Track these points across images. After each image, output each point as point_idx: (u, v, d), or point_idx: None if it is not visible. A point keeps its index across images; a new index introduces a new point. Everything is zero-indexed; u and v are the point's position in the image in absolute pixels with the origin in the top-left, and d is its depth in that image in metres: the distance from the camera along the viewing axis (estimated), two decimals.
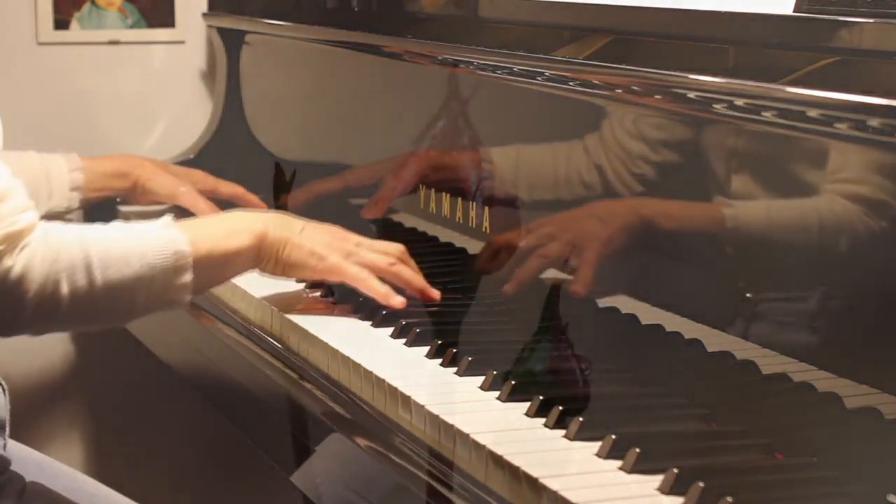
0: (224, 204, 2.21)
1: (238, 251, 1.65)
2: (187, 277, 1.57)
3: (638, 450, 1.22)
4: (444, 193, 1.89)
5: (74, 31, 2.65)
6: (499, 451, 1.26)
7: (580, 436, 1.30)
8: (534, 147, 1.74)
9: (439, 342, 1.57)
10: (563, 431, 1.31)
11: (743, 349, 1.38)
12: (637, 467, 1.22)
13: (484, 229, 1.80)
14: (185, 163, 2.61)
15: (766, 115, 1.31)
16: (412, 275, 1.71)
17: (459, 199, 1.85)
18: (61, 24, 2.64)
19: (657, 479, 1.19)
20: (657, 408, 1.39)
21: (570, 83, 1.61)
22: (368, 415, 1.48)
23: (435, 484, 1.32)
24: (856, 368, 1.25)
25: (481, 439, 1.29)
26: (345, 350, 1.57)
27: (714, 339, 1.42)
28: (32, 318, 1.49)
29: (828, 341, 1.29)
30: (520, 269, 1.68)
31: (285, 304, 1.77)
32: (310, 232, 1.71)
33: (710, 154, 1.43)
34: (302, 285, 1.86)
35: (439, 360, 1.54)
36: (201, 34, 2.72)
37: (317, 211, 2.13)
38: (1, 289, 1.45)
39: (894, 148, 1.19)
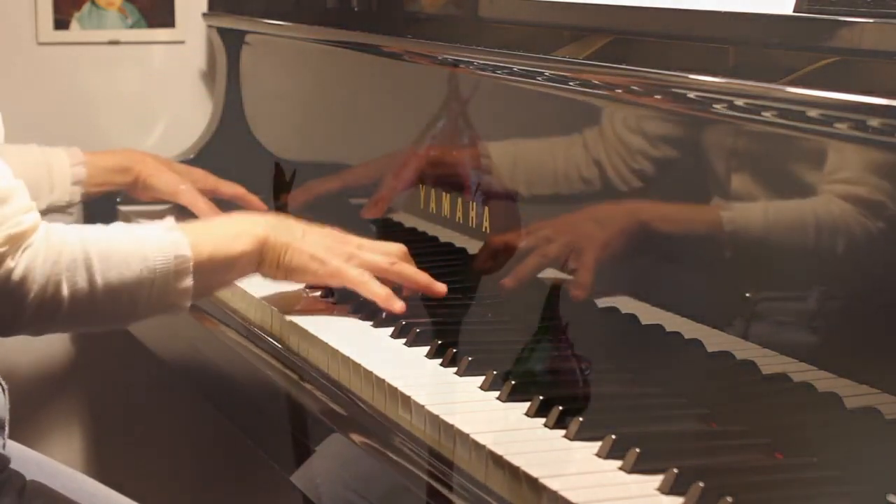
0: (224, 205, 2.21)
1: (240, 255, 1.65)
2: (188, 281, 1.57)
3: (638, 450, 1.22)
4: (444, 193, 1.89)
5: (74, 31, 2.65)
6: (499, 451, 1.26)
7: (580, 436, 1.30)
8: (534, 147, 1.74)
9: (439, 342, 1.57)
10: (563, 431, 1.31)
11: (743, 349, 1.38)
12: (637, 467, 1.22)
13: (484, 229, 1.80)
14: (186, 163, 2.61)
15: (766, 115, 1.31)
16: (415, 272, 1.71)
17: (459, 199, 1.85)
18: (61, 24, 2.64)
19: (657, 479, 1.19)
20: (657, 408, 1.39)
21: (570, 83, 1.60)
22: (368, 415, 1.48)
23: (435, 484, 1.32)
24: (856, 368, 1.25)
25: (481, 439, 1.29)
26: (345, 350, 1.57)
27: (714, 339, 1.42)
28: (33, 318, 1.49)
29: (828, 341, 1.29)
30: (518, 267, 1.68)
31: (285, 304, 1.77)
32: (311, 236, 1.71)
33: (709, 154, 1.43)
34: (302, 285, 1.86)
35: (439, 360, 1.54)
36: (201, 34, 2.72)
37: (317, 211, 2.13)
38: (3, 289, 1.46)
39: (894, 148, 1.19)
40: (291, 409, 1.66)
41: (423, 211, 1.94)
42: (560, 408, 1.34)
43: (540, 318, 1.45)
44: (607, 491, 1.19)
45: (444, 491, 1.30)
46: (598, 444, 1.26)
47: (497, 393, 1.42)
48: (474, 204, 1.82)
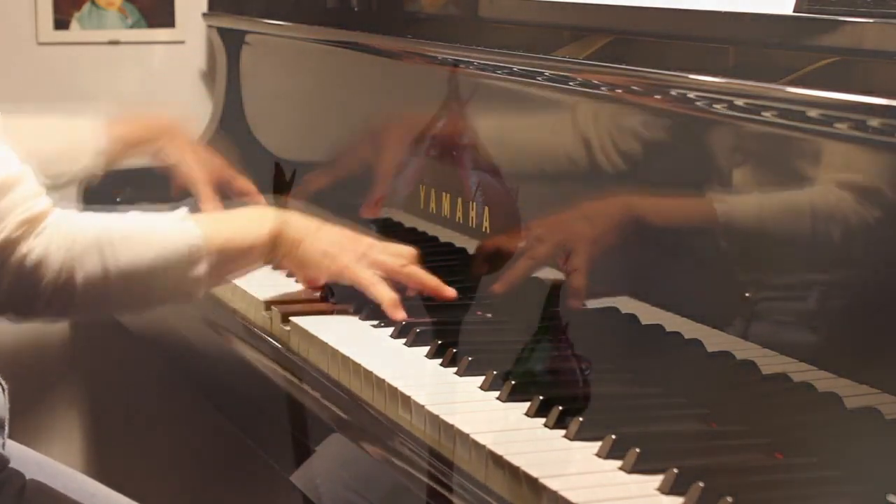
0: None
1: (252, 246, 1.65)
2: (201, 270, 1.57)
3: (638, 450, 1.22)
4: (444, 193, 1.89)
5: (74, 31, 2.65)
6: (499, 451, 1.26)
7: (580, 436, 1.30)
8: (533, 147, 1.74)
9: (439, 342, 1.56)
10: (563, 431, 1.31)
11: (743, 349, 1.38)
12: (637, 467, 1.22)
13: (484, 229, 1.80)
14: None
15: (766, 115, 1.31)
16: (426, 275, 1.71)
17: (459, 199, 1.85)
18: (61, 24, 2.64)
19: (657, 479, 1.19)
20: (657, 408, 1.39)
21: (570, 83, 1.60)
22: (368, 415, 1.48)
23: (435, 484, 1.32)
24: (856, 368, 1.25)
25: (481, 439, 1.29)
26: (345, 350, 1.57)
27: (714, 339, 1.42)
28: (48, 304, 1.49)
29: (828, 341, 1.29)
30: (509, 271, 1.69)
31: (285, 304, 1.77)
32: (324, 232, 1.71)
33: (708, 154, 1.43)
34: (302, 286, 1.86)
35: (439, 360, 1.54)
36: (201, 34, 2.72)
37: (317, 211, 2.13)
38: (18, 274, 1.46)
39: (894, 148, 1.19)
40: (291, 409, 1.66)
41: (423, 211, 1.94)
42: (560, 408, 1.34)
43: (540, 318, 1.46)
44: (607, 491, 1.19)
45: (444, 491, 1.30)
46: (598, 444, 1.26)
47: (497, 393, 1.42)
48: (474, 204, 1.82)
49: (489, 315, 1.69)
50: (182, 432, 2.78)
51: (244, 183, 2.20)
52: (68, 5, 2.63)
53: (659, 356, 1.47)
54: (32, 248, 1.45)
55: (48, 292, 1.47)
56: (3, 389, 1.68)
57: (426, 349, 1.57)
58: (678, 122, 1.46)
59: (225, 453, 2.75)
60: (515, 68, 1.70)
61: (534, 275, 1.68)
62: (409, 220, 1.99)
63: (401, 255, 1.72)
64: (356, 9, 2.19)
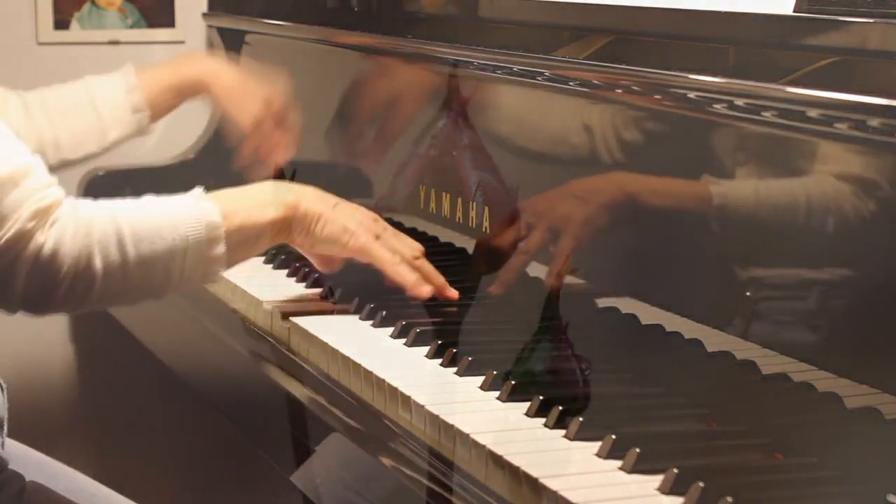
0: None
1: (271, 223, 1.63)
2: (220, 249, 1.56)
3: (638, 450, 1.22)
4: (444, 193, 1.89)
5: (74, 31, 2.65)
6: (499, 451, 1.26)
7: (580, 436, 1.30)
8: (534, 147, 1.74)
9: (439, 342, 1.57)
10: (563, 431, 1.31)
11: (743, 349, 1.38)
12: (637, 467, 1.22)
13: (484, 229, 1.80)
14: (185, 163, 2.62)
15: (766, 115, 1.31)
16: (434, 273, 1.71)
17: (459, 199, 1.85)
18: (61, 24, 2.64)
19: (657, 479, 1.19)
20: (657, 408, 1.39)
21: (570, 83, 1.61)
22: (368, 415, 1.48)
23: (435, 484, 1.32)
24: (856, 368, 1.25)
25: (481, 439, 1.29)
26: (345, 350, 1.57)
27: (714, 339, 1.42)
28: (67, 294, 1.47)
29: (828, 341, 1.29)
30: (504, 270, 1.68)
31: (286, 304, 1.77)
32: (343, 208, 1.70)
33: (708, 154, 1.43)
34: (302, 286, 1.86)
35: (439, 360, 1.54)
36: (201, 34, 2.72)
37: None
38: (34, 266, 1.44)
39: (894, 148, 1.19)
40: (291, 409, 1.66)
41: (423, 211, 1.94)
42: (560, 408, 1.34)
43: (540, 318, 1.45)
44: (607, 491, 1.19)
45: (444, 491, 1.30)
46: (598, 444, 1.26)
47: (497, 393, 1.42)
48: (474, 204, 1.82)
49: (489, 315, 1.69)
50: (182, 432, 2.78)
51: (290, 122, 2.10)
52: (68, 5, 2.63)
53: (659, 356, 1.47)
54: (47, 238, 1.44)
55: (67, 282, 1.46)
56: (3, 389, 1.67)
57: (426, 349, 1.57)
58: (678, 122, 1.46)
59: (225, 453, 2.75)
60: (515, 68, 1.70)
61: (534, 275, 1.68)
62: (409, 220, 1.99)
63: (412, 247, 1.72)
64: (356, 9, 2.19)
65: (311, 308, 1.77)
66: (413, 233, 1.97)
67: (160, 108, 2.07)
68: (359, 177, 2.17)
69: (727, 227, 1.40)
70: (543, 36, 1.71)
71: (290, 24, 2.36)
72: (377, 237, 1.70)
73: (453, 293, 1.70)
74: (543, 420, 1.35)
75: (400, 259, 1.69)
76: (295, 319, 1.70)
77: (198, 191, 1.61)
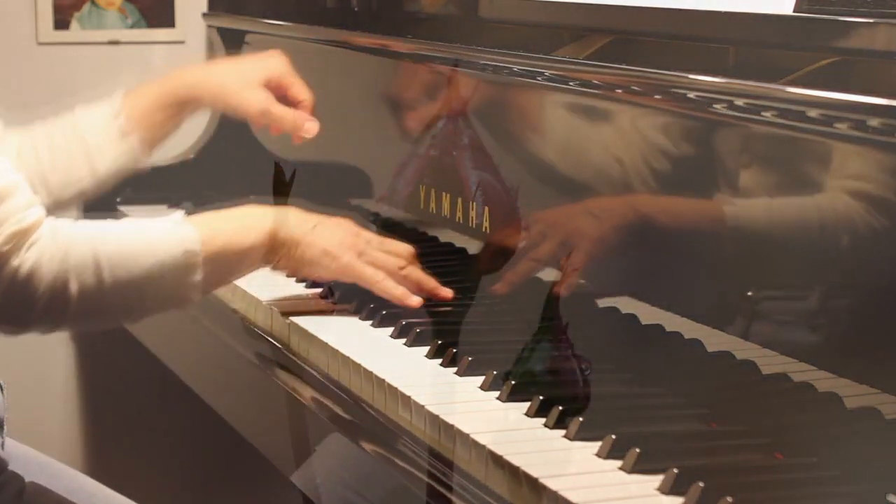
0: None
1: (249, 249, 1.62)
2: (197, 276, 1.55)
3: (638, 450, 1.22)
4: (444, 193, 1.89)
5: (74, 31, 2.65)
6: (499, 451, 1.26)
7: (580, 436, 1.30)
8: (534, 147, 1.74)
9: (439, 342, 1.56)
10: (563, 431, 1.31)
11: (743, 349, 1.38)
12: (637, 467, 1.22)
13: (484, 229, 1.80)
14: (185, 163, 2.62)
15: (766, 115, 1.31)
16: (423, 277, 1.71)
17: (459, 199, 1.85)
18: (61, 24, 2.64)
19: (657, 479, 1.19)
20: (657, 408, 1.39)
21: (570, 83, 1.60)
22: (368, 415, 1.48)
23: (435, 484, 1.32)
24: (856, 368, 1.25)
25: (481, 439, 1.29)
26: (345, 350, 1.57)
27: (714, 339, 1.42)
28: (42, 316, 1.47)
29: (828, 341, 1.29)
30: (511, 272, 1.68)
31: (285, 304, 1.77)
32: (322, 229, 1.69)
33: (709, 154, 1.43)
34: (302, 286, 1.86)
35: (439, 360, 1.54)
36: (201, 34, 2.72)
37: (316, 211, 2.13)
38: (9, 288, 1.44)
39: (894, 148, 1.19)
40: (291, 409, 1.66)
41: (423, 211, 1.94)
42: (560, 408, 1.34)
43: (540, 318, 1.45)
44: (607, 491, 1.19)
45: (444, 491, 1.30)
46: (598, 444, 1.26)
47: (497, 393, 1.42)
48: (474, 204, 1.82)
49: (489, 315, 1.69)
50: (182, 432, 2.78)
51: (298, 90, 1.94)
52: (68, 5, 2.64)
53: (659, 356, 1.47)
54: (24, 260, 1.43)
55: (42, 304, 1.45)
56: (2, 389, 1.67)
57: (426, 349, 1.57)
58: (678, 122, 1.46)
59: (225, 453, 2.75)
60: (515, 68, 1.70)
61: (534, 275, 1.68)
62: (409, 220, 1.99)
63: (398, 254, 1.71)
64: (356, 9, 2.19)
65: (311, 308, 1.77)
66: (413, 233, 1.97)
67: (151, 130, 1.86)
68: (359, 177, 2.17)
69: (726, 228, 1.40)
70: (543, 36, 1.71)
71: (290, 24, 2.36)
72: (360, 254, 1.69)
73: (447, 293, 1.70)
74: (543, 420, 1.35)
75: (384, 275, 1.69)
76: (295, 319, 1.70)
77: (178, 215, 1.59)
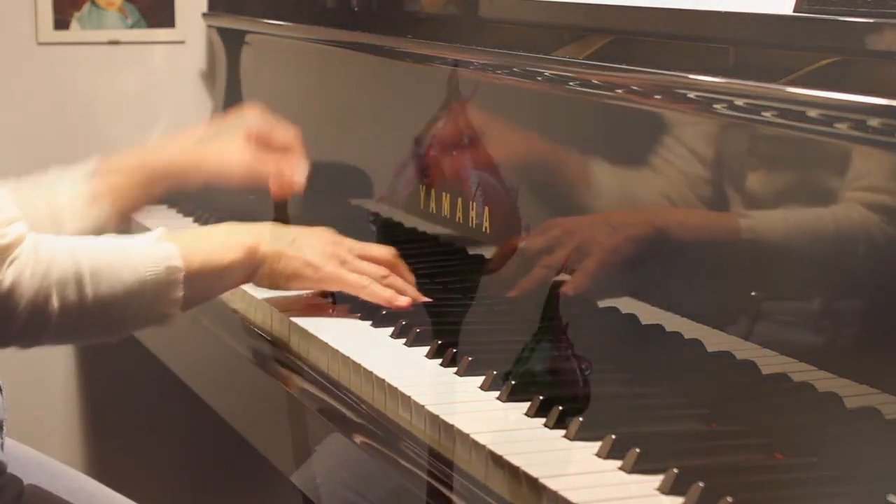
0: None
1: (230, 265, 1.62)
2: (179, 292, 1.54)
3: (638, 450, 1.22)
4: (444, 193, 1.89)
5: (74, 31, 2.65)
6: (499, 451, 1.26)
7: (580, 436, 1.30)
8: (534, 146, 1.74)
9: (439, 342, 1.56)
10: (563, 431, 1.31)
11: (743, 349, 1.38)
12: (637, 467, 1.22)
13: (484, 229, 1.80)
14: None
15: (766, 115, 1.31)
16: (403, 285, 1.71)
17: (459, 199, 1.85)
18: (61, 24, 2.64)
19: (657, 479, 1.19)
20: (657, 408, 1.39)
21: (570, 83, 1.60)
22: (368, 415, 1.48)
23: (435, 484, 1.32)
24: (856, 368, 1.25)
25: (481, 439, 1.29)
26: (345, 350, 1.57)
27: (714, 339, 1.42)
28: (21, 332, 1.46)
29: (828, 341, 1.29)
30: (524, 279, 1.68)
31: (285, 304, 1.77)
32: (302, 241, 1.69)
33: (709, 155, 1.43)
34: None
35: (439, 360, 1.54)
36: (201, 34, 2.72)
37: (317, 211, 2.13)
38: None
39: (894, 148, 1.19)
40: (291, 409, 1.66)
41: (423, 211, 1.94)
42: (560, 408, 1.34)
43: (540, 318, 1.45)
44: (607, 491, 1.19)
45: (444, 491, 1.30)
46: (598, 444, 1.26)
47: (497, 393, 1.42)
48: (474, 204, 1.82)
49: (489, 315, 1.69)
50: (182, 432, 2.78)
51: (281, 136, 1.89)
52: (68, 5, 2.63)
53: (659, 356, 1.47)
54: (5, 276, 1.42)
55: (22, 320, 1.44)
56: (0, 389, 1.67)
57: (426, 349, 1.57)
58: (677, 123, 1.46)
59: (225, 453, 2.75)
60: (515, 68, 1.70)
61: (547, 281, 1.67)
62: (409, 220, 1.99)
63: (379, 259, 1.71)
64: (356, 9, 2.19)
65: (311, 308, 1.77)
66: (413, 233, 1.97)
67: (127, 201, 1.78)
68: (359, 177, 2.17)
69: (727, 228, 1.40)
70: (543, 36, 1.71)
71: (290, 24, 2.36)
72: (342, 262, 1.69)
73: (423, 298, 1.71)
74: (543, 420, 1.35)
75: (369, 280, 1.69)
76: (295, 319, 1.70)
77: (159, 231, 1.58)
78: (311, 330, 1.66)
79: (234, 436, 1.98)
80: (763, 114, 1.31)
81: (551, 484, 1.19)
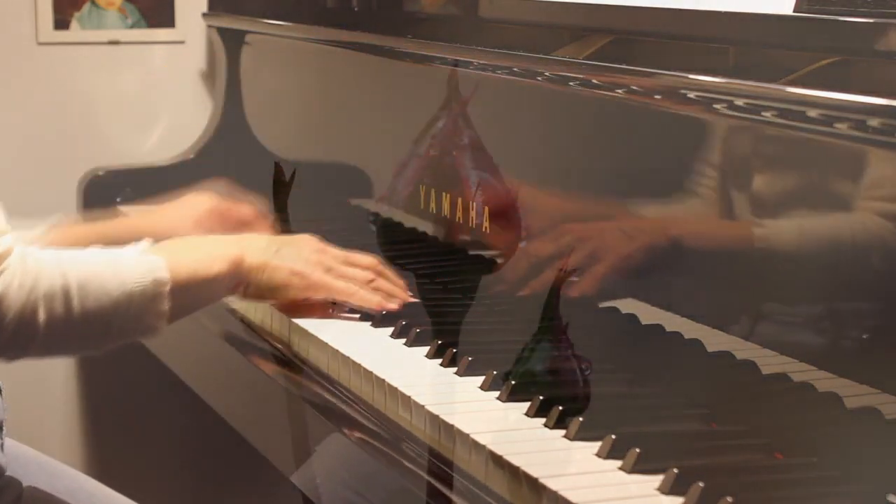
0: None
1: (216, 277, 1.60)
2: (165, 305, 1.53)
3: (638, 450, 1.22)
4: (444, 193, 1.89)
5: (74, 31, 2.65)
6: (499, 451, 1.26)
7: (580, 436, 1.30)
8: (534, 146, 1.74)
9: (439, 342, 1.57)
10: (563, 431, 1.31)
11: (743, 349, 1.38)
12: (637, 467, 1.22)
13: (484, 229, 1.80)
14: (185, 163, 2.62)
15: (766, 115, 1.31)
16: (390, 287, 1.71)
17: (459, 199, 1.85)
18: (61, 24, 2.64)
19: (657, 479, 1.19)
20: (657, 408, 1.39)
21: (570, 83, 1.60)
22: (368, 415, 1.48)
23: (435, 484, 1.32)
24: (856, 368, 1.25)
25: (481, 439, 1.29)
26: (345, 350, 1.57)
27: (714, 339, 1.42)
28: (7, 345, 1.45)
29: (828, 341, 1.29)
30: (536, 281, 1.67)
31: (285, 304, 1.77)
32: (286, 250, 1.68)
33: (709, 156, 1.43)
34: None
35: (439, 360, 1.54)
36: (201, 34, 2.72)
37: (317, 211, 2.13)
38: None
39: (894, 148, 1.19)
40: (291, 409, 1.66)
41: (423, 211, 1.94)
42: (560, 408, 1.34)
43: (540, 318, 1.45)
44: (607, 491, 1.19)
45: (445, 490, 1.30)
46: (598, 444, 1.26)
47: (497, 393, 1.42)
48: (474, 204, 1.81)
49: (489, 315, 1.69)
50: (182, 432, 2.78)
51: (243, 211, 1.95)
52: (68, 5, 2.63)
53: (659, 356, 1.47)
54: None
55: (9, 333, 1.43)
56: (0, 390, 1.67)
57: (426, 349, 1.57)
58: (677, 122, 1.46)
59: (225, 453, 2.75)
60: (515, 68, 1.70)
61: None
62: (409, 220, 1.99)
63: (364, 266, 1.71)
64: (356, 9, 2.19)
65: (311, 307, 1.76)
66: (413, 233, 1.97)
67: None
68: (359, 177, 2.17)
69: (726, 229, 1.40)
70: (543, 36, 1.71)
71: (290, 24, 2.36)
72: (328, 269, 1.69)
73: (411, 299, 1.71)
74: (543, 420, 1.35)
75: (357, 286, 1.69)
76: (295, 319, 1.70)
77: (145, 244, 1.57)
78: (311, 330, 1.66)
79: (234, 436, 1.98)
80: (763, 114, 1.31)
81: (551, 484, 1.19)
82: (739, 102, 1.34)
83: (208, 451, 2.79)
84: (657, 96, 1.47)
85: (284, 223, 1.96)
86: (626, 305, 1.54)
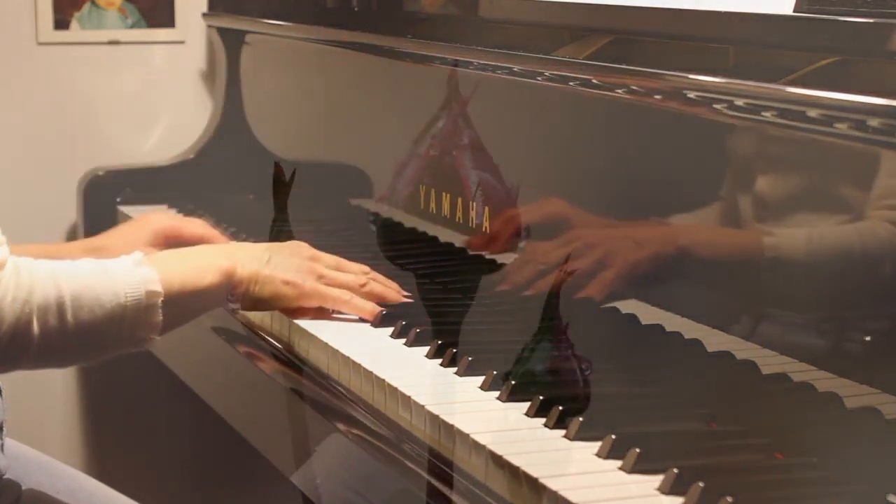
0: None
1: (208, 288, 1.60)
2: (158, 317, 1.52)
3: (638, 450, 1.22)
4: (444, 193, 1.89)
5: (74, 31, 2.65)
6: (499, 451, 1.26)
7: (580, 436, 1.30)
8: (534, 146, 1.74)
9: (439, 342, 1.56)
10: (563, 431, 1.31)
11: (743, 349, 1.38)
12: (637, 467, 1.22)
13: (484, 229, 1.80)
14: (185, 163, 2.62)
15: (766, 115, 1.31)
16: (384, 290, 1.71)
17: (459, 199, 1.85)
18: (61, 24, 2.64)
19: (657, 479, 1.19)
20: (657, 408, 1.39)
21: (570, 83, 1.60)
22: (368, 415, 1.48)
23: (435, 483, 1.32)
24: (856, 368, 1.25)
25: (481, 439, 1.29)
26: (345, 350, 1.57)
27: (714, 339, 1.42)
28: (2, 356, 1.44)
29: (828, 341, 1.29)
30: (542, 283, 1.67)
31: None
32: (277, 259, 1.67)
33: (709, 157, 1.43)
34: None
35: (439, 360, 1.54)
36: (201, 34, 2.72)
37: (317, 211, 2.13)
38: None
39: (894, 148, 1.19)
40: (291, 409, 1.66)
41: (423, 211, 1.94)
42: (560, 408, 1.34)
43: (540, 318, 1.45)
44: (607, 491, 1.19)
45: (445, 490, 1.30)
46: (598, 444, 1.26)
47: (497, 393, 1.42)
48: (474, 204, 1.82)
49: (489, 315, 1.69)
50: (182, 432, 2.78)
51: (192, 229, 1.99)
52: (68, 5, 2.63)
53: (659, 356, 1.47)
54: None
55: (2, 344, 1.42)
56: (0, 391, 1.67)
57: (426, 349, 1.57)
58: (677, 122, 1.46)
59: (225, 453, 2.75)
60: (515, 68, 1.70)
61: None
62: (409, 220, 1.99)
63: (357, 272, 1.72)
64: (356, 9, 2.19)
65: (311, 308, 1.76)
66: (413, 233, 1.97)
67: None
68: (359, 177, 2.17)
69: (727, 229, 1.40)
70: (543, 36, 1.71)
71: (290, 24, 2.36)
72: (320, 277, 1.69)
73: (404, 299, 1.72)
74: (543, 420, 1.35)
75: (350, 294, 1.69)
76: (294, 319, 1.70)
77: (137, 256, 1.56)
78: (311, 330, 1.66)
79: (234, 436, 1.98)
80: (763, 114, 1.31)
81: (551, 484, 1.19)
82: (740, 102, 1.34)
83: (208, 451, 2.79)
84: (657, 96, 1.47)
85: (284, 223, 1.96)
86: (626, 305, 1.54)
